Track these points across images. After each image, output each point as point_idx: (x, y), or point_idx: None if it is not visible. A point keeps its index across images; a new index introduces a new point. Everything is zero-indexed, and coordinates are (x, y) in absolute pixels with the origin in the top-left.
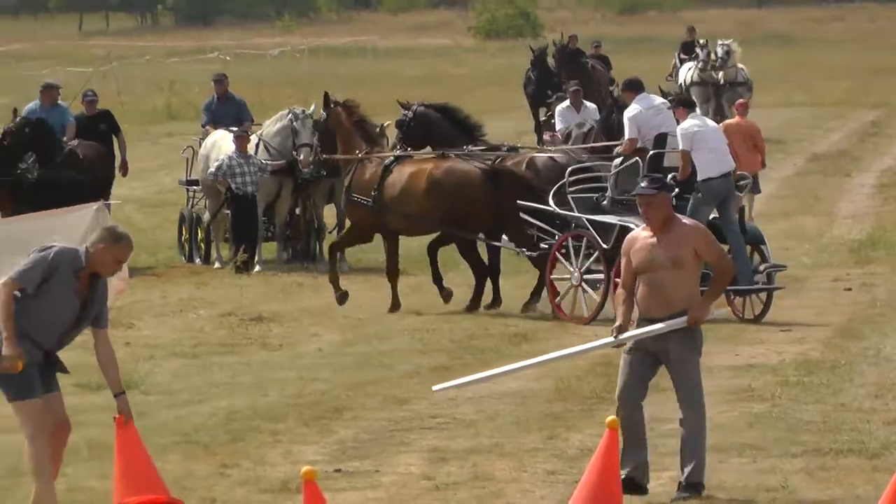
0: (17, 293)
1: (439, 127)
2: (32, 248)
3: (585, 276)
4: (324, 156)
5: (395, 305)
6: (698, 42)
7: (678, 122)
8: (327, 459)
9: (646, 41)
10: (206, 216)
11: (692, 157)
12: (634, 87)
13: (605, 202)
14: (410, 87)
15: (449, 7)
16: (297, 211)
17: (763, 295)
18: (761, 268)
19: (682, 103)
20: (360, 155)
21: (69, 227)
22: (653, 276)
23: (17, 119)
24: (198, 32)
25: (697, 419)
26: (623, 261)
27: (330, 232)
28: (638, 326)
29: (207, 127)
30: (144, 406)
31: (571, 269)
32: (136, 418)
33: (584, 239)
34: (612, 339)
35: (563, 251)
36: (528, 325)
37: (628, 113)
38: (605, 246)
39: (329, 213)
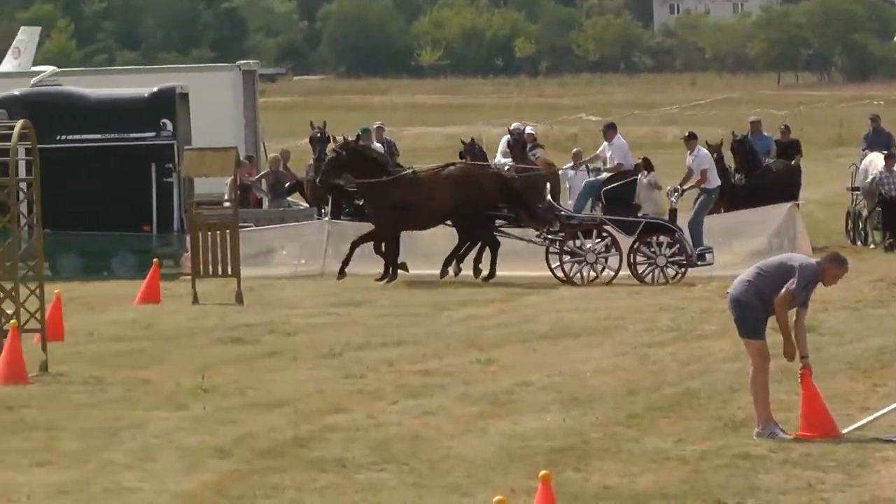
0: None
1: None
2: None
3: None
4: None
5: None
6: None
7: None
8: None
9: None
10: (864, 212)
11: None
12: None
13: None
14: None
15: None
16: None
17: None
18: None
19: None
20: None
21: (770, 220)
22: None
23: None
24: (858, 85)
25: None
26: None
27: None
28: None
29: (865, 150)
30: (820, 343)
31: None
32: (813, 353)
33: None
34: None
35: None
36: None
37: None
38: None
39: None
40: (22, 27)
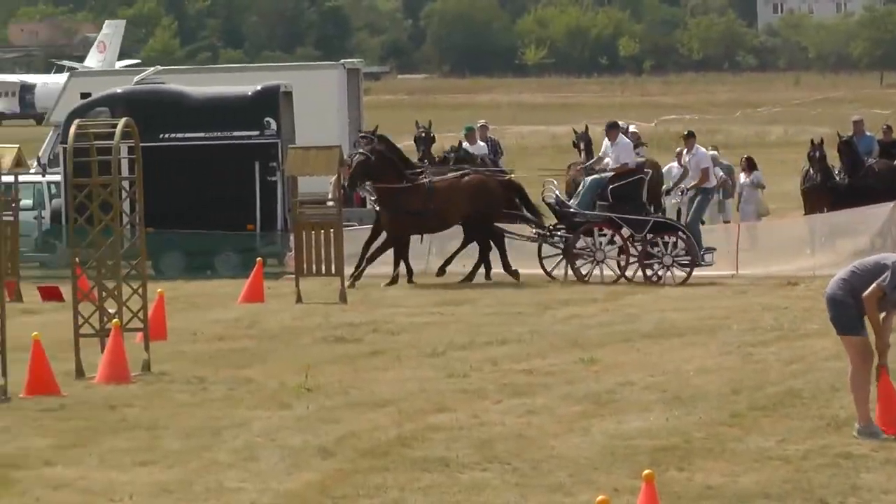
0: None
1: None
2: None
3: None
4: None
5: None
6: None
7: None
8: None
9: None
10: None
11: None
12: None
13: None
14: None
15: None
16: None
17: None
18: None
19: None
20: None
21: (872, 220)
22: None
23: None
24: None
25: None
26: None
27: None
28: None
29: None
30: None
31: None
32: None
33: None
34: None
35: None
36: None
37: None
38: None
39: None
40: (107, 21)
